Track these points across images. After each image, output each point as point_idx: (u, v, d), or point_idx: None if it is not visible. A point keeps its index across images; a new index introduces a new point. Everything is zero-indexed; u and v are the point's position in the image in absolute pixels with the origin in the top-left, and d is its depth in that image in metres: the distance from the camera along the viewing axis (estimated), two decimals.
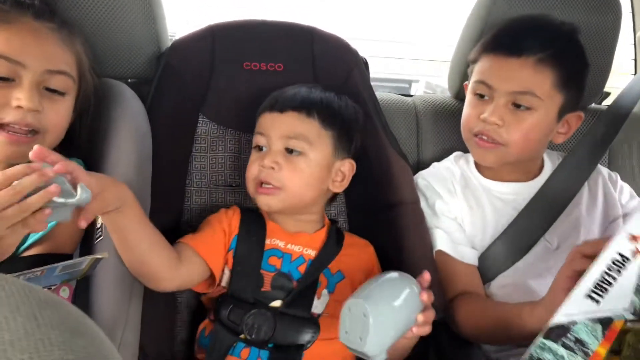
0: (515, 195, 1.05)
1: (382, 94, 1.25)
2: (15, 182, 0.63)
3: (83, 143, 0.93)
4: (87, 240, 0.88)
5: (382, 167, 1.04)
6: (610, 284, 0.62)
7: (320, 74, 1.06)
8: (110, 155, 0.93)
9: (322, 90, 0.97)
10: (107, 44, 1.03)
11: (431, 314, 0.78)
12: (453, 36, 1.25)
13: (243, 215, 0.95)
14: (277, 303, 0.89)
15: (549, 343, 0.60)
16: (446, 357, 0.97)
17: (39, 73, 0.81)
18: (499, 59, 0.99)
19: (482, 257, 1.02)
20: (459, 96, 1.27)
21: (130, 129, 0.92)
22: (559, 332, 0.61)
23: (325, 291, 0.92)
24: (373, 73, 1.14)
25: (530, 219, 1.02)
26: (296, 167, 0.91)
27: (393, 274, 0.80)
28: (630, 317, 0.61)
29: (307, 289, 0.91)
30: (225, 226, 0.93)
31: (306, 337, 0.88)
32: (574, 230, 1.03)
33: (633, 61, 1.52)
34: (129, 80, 1.11)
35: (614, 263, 0.62)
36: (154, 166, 0.93)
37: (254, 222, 0.95)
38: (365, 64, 1.12)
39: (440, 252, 1.02)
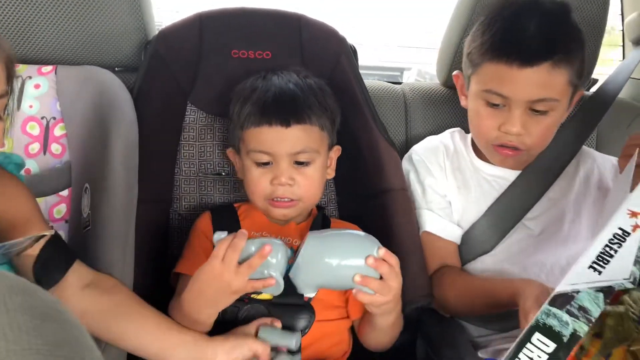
0: (504, 180, 1.05)
1: (370, 82, 1.25)
2: None
3: None
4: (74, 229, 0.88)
5: (371, 154, 1.05)
6: (611, 256, 0.65)
7: (309, 61, 1.06)
8: (97, 144, 0.92)
9: (302, 79, 0.95)
10: (93, 32, 1.02)
11: (374, 284, 0.77)
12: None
13: (214, 218, 0.96)
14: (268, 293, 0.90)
15: (553, 310, 0.63)
16: (432, 343, 0.98)
17: None
18: (510, 69, 0.92)
19: (465, 237, 1.04)
20: (448, 83, 1.27)
21: (116, 117, 0.92)
22: (563, 300, 0.64)
23: None
24: (364, 61, 1.14)
25: (513, 197, 1.02)
26: (310, 177, 0.92)
27: (359, 232, 0.83)
28: (630, 286, 0.64)
29: None
30: (206, 237, 0.93)
31: (302, 323, 0.88)
32: (558, 219, 1.03)
33: (621, 47, 1.52)
34: (116, 68, 1.10)
35: (615, 236, 0.66)
36: (141, 155, 0.93)
37: (226, 222, 0.95)
38: (354, 51, 1.12)
39: (425, 232, 1.03)
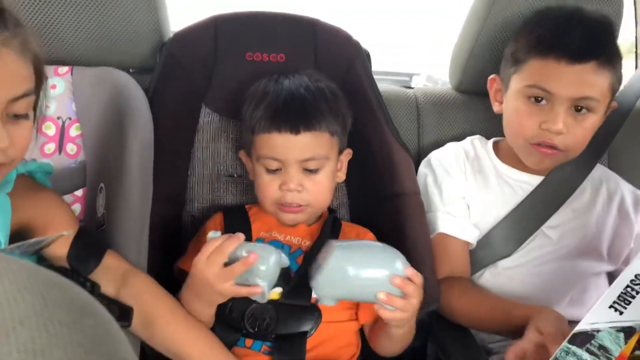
0: (527, 185, 1.05)
1: (383, 86, 1.25)
2: None
3: None
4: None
5: (385, 158, 1.05)
6: (633, 297, 0.66)
7: (322, 65, 1.06)
8: (113, 144, 0.93)
9: (313, 83, 0.95)
10: (109, 33, 1.03)
11: (398, 302, 0.77)
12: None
13: (226, 219, 0.96)
14: (277, 290, 0.90)
15: (573, 348, 0.64)
16: (444, 348, 0.98)
17: (3, 105, 0.68)
18: (559, 65, 0.94)
19: (483, 241, 1.03)
20: (460, 88, 1.27)
21: (132, 117, 0.93)
22: (583, 339, 0.64)
23: None
24: (374, 66, 1.14)
25: (534, 203, 1.02)
26: (319, 183, 0.92)
27: (385, 246, 0.81)
28: None
29: (304, 277, 0.91)
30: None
31: (309, 324, 0.89)
32: (580, 232, 1.03)
33: (634, 55, 1.52)
34: (130, 70, 1.11)
35: (637, 277, 0.67)
36: (157, 155, 0.93)
37: (237, 222, 0.96)
38: (368, 55, 1.12)
39: (439, 234, 1.02)
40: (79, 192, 1.00)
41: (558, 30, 0.96)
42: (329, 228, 0.97)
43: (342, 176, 0.99)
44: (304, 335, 0.88)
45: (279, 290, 0.89)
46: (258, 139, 0.92)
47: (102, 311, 0.33)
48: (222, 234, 0.92)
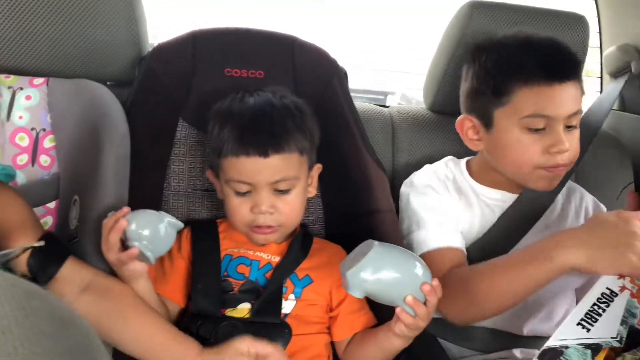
0: (502, 203, 1.06)
1: (359, 104, 1.27)
2: None
3: None
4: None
5: (360, 175, 1.06)
6: (599, 314, 0.69)
7: (301, 81, 1.08)
8: (88, 157, 0.92)
9: (279, 100, 0.93)
10: (87, 45, 1.03)
11: (421, 309, 0.79)
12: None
13: (193, 235, 0.96)
14: (246, 306, 0.90)
15: None
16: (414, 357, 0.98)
17: None
18: (552, 88, 0.95)
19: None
20: (434, 108, 1.30)
21: (108, 130, 0.92)
22: (552, 355, 0.66)
23: (292, 295, 0.93)
24: (350, 84, 1.15)
25: (507, 227, 1.04)
26: (291, 203, 0.91)
27: (416, 255, 0.85)
28: (616, 344, 0.67)
29: (273, 294, 0.91)
30: (183, 253, 0.95)
31: (279, 341, 0.88)
32: None
33: (599, 79, 1.58)
34: (108, 82, 1.11)
35: (603, 296, 0.70)
36: (133, 168, 0.93)
37: (204, 238, 0.96)
38: (345, 74, 1.14)
39: (431, 252, 1.00)
40: (52, 205, 0.98)
41: (547, 57, 0.97)
42: (299, 242, 0.97)
43: (313, 191, 0.98)
44: None
45: (247, 306, 0.89)
46: (226, 162, 0.90)
47: (80, 320, 0.33)
48: (190, 249, 0.94)
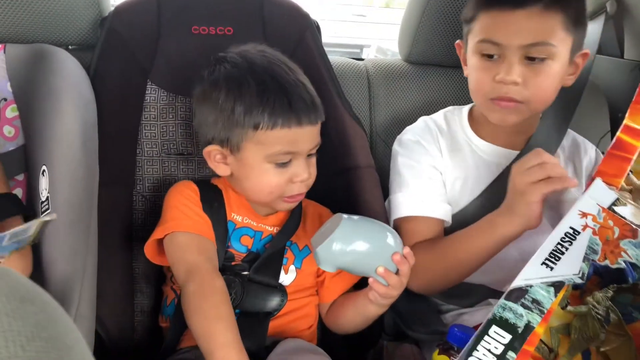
0: (501, 159, 1.02)
1: (334, 58, 1.24)
2: None
3: None
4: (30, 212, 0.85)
5: (337, 131, 1.04)
6: (562, 253, 0.70)
7: (271, 37, 1.04)
8: (53, 124, 0.89)
9: (283, 61, 0.88)
10: (43, 7, 0.98)
11: (393, 278, 0.80)
12: None
13: (201, 190, 0.92)
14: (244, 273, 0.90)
15: (509, 304, 0.67)
16: (402, 317, 0.99)
17: None
18: (503, 14, 0.91)
19: (458, 219, 1.00)
20: (410, 59, 1.27)
21: (72, 96, 0.88)
22: (518, 294, 0.67)
23: (292, 267, 0.93)
24: (324, 38, 1.12)
25: (505, 183, 0.94)
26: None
27: (385, 224, 0.84)
28: (579, 281, 0.68)
29: (273, 256, 0.91)
30: (196, 200, 0.91)
31: (273, 303, 0.89)
32: (550, 207, 0.98)
33: None
34: (70, 47, 1.06)
35: (566, 235, 0.71)
36: (102, 136, 0.90)
37: (213, 196, 0.93)
38: (317, 27, 1.10)
39: (410, 216, 0.99)
40: (20, 177, 0.95)
41: None
42: (299, 211, 0.97)
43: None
44: (268, 316, 0.88)
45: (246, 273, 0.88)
46: (268, 135, 0.84)
47: (45, 297, 0.33)
48: (201, 205, 0.90)
